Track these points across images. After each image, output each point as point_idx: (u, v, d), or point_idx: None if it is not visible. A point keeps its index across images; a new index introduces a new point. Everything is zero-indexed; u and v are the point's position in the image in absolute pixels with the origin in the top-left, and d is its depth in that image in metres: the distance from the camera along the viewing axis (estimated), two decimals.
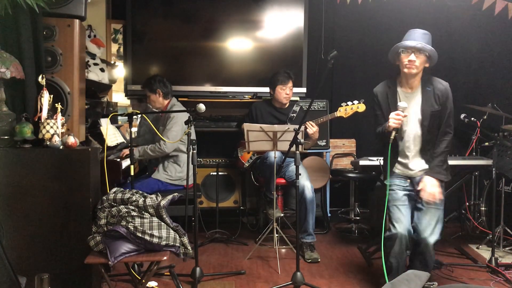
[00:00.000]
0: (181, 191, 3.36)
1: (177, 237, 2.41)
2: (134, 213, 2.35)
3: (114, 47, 4.57)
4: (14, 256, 2.32)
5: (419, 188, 2.68)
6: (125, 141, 3.79)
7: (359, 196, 4.41)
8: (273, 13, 4.44)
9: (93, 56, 3.74)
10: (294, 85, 3.91)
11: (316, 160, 4.27)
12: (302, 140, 3.00)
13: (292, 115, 3.87)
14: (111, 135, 3.47)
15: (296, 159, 2.93)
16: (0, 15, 2.30)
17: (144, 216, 2.36)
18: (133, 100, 4.58)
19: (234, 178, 4.37)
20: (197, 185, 3.21)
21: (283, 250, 3.72)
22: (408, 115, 2.67)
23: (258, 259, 3.52)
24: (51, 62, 2.72)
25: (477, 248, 3.74)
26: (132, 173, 3.01)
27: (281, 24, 4.44)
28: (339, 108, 3.58)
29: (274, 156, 3.43)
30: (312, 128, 3.59)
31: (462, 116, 4.23)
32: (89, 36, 3.74)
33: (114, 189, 2.54)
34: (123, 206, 2.41)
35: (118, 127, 3.92)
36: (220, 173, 4.26)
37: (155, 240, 2.31)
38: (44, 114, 2.48)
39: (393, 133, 2.59)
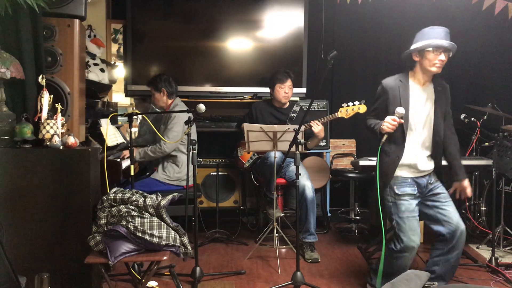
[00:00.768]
0: (181, 191, 3.36)
1: (177, 237, 2.41)
2: (134, 213, 2.35)
3: (114, 47, 4.58)
4: (14, 256, 2.32)
5: (453, 190, 2.68)
6: (125, 141, 3.79)
7: (359, 196, 4.41)
8: (273, 13, 4.44)
9: (93, 56, 3.74)
10: (294, 85, 3.91)
11: (316, 160, 4.27)
12: (302, 140, 3.00)
13: (292, 115, 3.87)
14: (111, 135, 3.47)
15: (296, 159, 2.92)
16: (0, 15, 2.30)
17: (144, 216, 2.36)
18: (136, 100, 4.57)
19: (234, 178, 4.37)
20: (197, 185, 3.21)
21: (283, 250, 3.72)
22: (420, 110, 2.63)
23: (258, 259, 3.52)
24: (51, 62, 2.72)
25: (477, 248, 3.74)
26: (132, 173, 3.01)
27: (281, 24, 4.44)
28: (340, 109, 3.58)
29: (274, 156, 3.43)
30: (317, 126, 3.59)
31: (462, 116, 4.22)
32: (89, 36, 3.74)
33: (114, 189, 2.54)
34: (123, 206, 2.41)
35: (118, 127, 3.91)
36: (220, 173, 4.26)
37: (155, 240, 2.31)
38: (44, 114, 2.48)
39: (385, 137, 2.56)
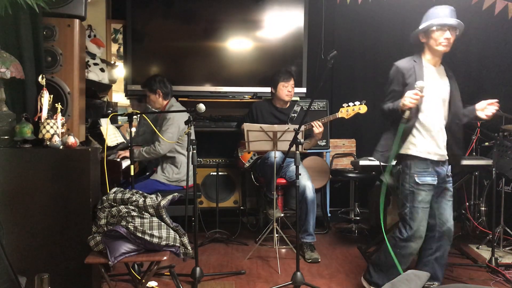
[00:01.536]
0: (181, 191, 3.36)
1: (177, 237, 2.41)
2: (134, 213, 2.35)
3: (114, 47, 4.57)
4: (14, 256, 2.32)
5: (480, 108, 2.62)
6: (125, 141, 3.79)
7: (359, 196, 4.41)
8: (273, 13, 4.44)
9: (93, 56, 3.74)
10: (295, 85, 3.91)
11: (316, 160, 4.27)
12: (302, 140, 3.00)
13: (293, 115, 3.87)
14: (111, 135, 3.47)
15: (296, 159, 2.92)
16: (0, 15, 2.30)
17: (144, 216, 2.36)
18: (133, 100, 4.58)
19: (234, 178, 4.37)
20: (197, 185, 3.21)
21: (283, 250, 3.72)
22: (435, 90, 2.58)
23: (258, 259, 3.52)
24: (51, 62, 2.72)
25: (477, 248, 3.74)
26: (132, 173, 3.01)
27: (281, 24, 4.44)
28: (341, 109, 3.58)
29: (274, 156, 3.42)
30: (319, 128, 3.59)
31: None
32: (89, 36, 3.74)
33: (114, 189, 2.54)
34: (123, 206, 2.41)
35: (118, 127, 3.91)
36: (220, 173, 4.26)
37: (155, 240, 2.31)
38: (44, 114, 2.48)
39: (407, 113, 2.43)
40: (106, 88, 4.00)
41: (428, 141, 2.58)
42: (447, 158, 2.65)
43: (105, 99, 4.04)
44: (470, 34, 4.64)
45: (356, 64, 4.76)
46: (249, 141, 3.42)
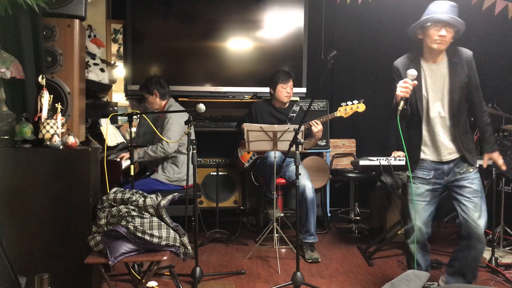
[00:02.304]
0: (181, 191, 3.36)
1: (177, 237, 2.41)
2: (134, 213, 2.35)
3: (114, 47, 4.57)
4: (14, 256, 2.32)
5: (485, 164, 2.56)
6: (125, 141, 3.79)
7: (359, 196, 4.41)
8: (273, 13, 4.44)
9: (93, 56, 3.74)
10: (294, 85, 3.91)
11: (316, 160, 4.27)
12: (302, 140, 3.00)
13: (292, 115, 3.87)
14: (111, 135, 3.47)
15: (296, 159, 2.93)
16: (0, 15, 2.30)
17: (144, 216, 2.36)
18: (133, 101, 4.58)
19: (234, 178, 4.37)
20: (197, 185, 3.21)
21: (283, 250, 3.72)
22: (434, 89, 2.51)
23: (258, 259, 3.52)
24: (51, 62, 2.72)
25: None
26: (132, 173, 3.01)
27: (281, 24, 4.44)
28: (339, 108, 3.58)
29: (274, 156, 3.42)
30: (317, 126, 3.59)
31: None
32: (89, 36, 3.74)
33: (114, 189, 2.54)
34: (123, 206, 2.41)
35: (118, 127, 3.91)
36: (220, 173, 4.26)
37: (155, 240, 2.31)
38: (44, 114, 2.48)
39: (401, 103, 2.34)
40: (106, 88, 4.00)
41: (429, 143, 2.55)
42: (459, 156, 2.54)
43: (105, 99, 4.04)
44: (470, 34, 4.64)
45: (356, 64, 4.76)
46: (249, 141, 3.42)
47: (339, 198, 4.67)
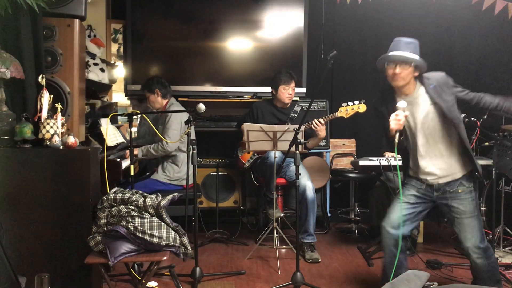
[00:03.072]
0: (181, 191, 3.36)
1: (177, 237, 2.41)
2: (134, 213, 2.35)
3: (114, 47, 4.57)
4: (14, 256, 2.32)
5: None
6: (125, 141, 3.79)
7: (359, 196, 4.41)
8: (273, 13, 4.44)
9: (93, 56, 3.74)
10: (294, 85, 3.91)
11: (316, 160, 4.27)
12: (302, 140, 3.00)
13: (293, 115, 3.87)
14: (111, 135, 3.47)
15: (296, 159, 2.92)
16: (0, 15, 2.30)
17: (144, 216, 2.36)
18: (133, 101, 4.58)
19: (234, 178, 4.37)
20: (197, 185, 3.21)
21: (283, 250, 3.72)
22: (418, 118, 2.49)
23: (258, 259, 3.52)
24: (51, 62, 2.72)
25: None
26: (132, 173, 3.01)
27: (281, 24, 4.44)
28: (340, 109, 3.58)
29: (274, 156, 3.42)
30: (319, 125, 3.58)
31: (462, 116, 4.22)
32: (89, 36, 3.74)
33: (114, 189, 2.54)
34: (123, 206, 2.41)
35: (118, 127, 3.91)
36: (220, 173, 4.26)
37: (155, 240, 2.31)
38: (44, 114, 2.48)
39: (397, 136, 2.34)
40: (106, 88, 3.99)
41: (416, 168, 2.56)
42: (450, 180, 2.51)
43: (105, 99, 4.04)
44: (470, 34, 4.65)
45: (356, 64, 4.76)
46: (249, 141, 3.42)
47: (339, 198, 4.67)
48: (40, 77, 2.50)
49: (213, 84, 4.41)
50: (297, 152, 2.93)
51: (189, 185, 3.11)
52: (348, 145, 4.75)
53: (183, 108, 3.72)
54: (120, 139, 3.70)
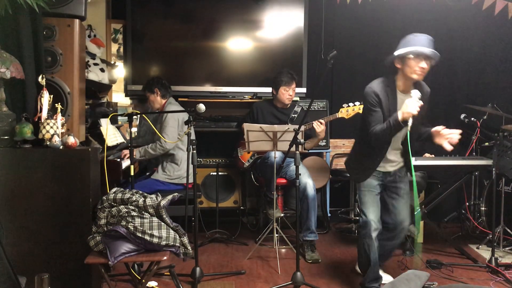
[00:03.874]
0: (181, 191, 3.36)
1: (177, 237, 2.41)
2: (134, 213, 2.35)
3: (114, 47, 4.57)
4: (14, 256, 2.32)
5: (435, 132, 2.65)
6: (125, 141, 3.80)
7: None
8: (273, 13, 4.44)
9: (93, 56, 3.74)
10: None
11: (316, 160, 4.27)
12: (302, 140, 3.00)
13: (293, 115, 3.87)
14: (111, 135, 3.47)
15: (296, 159, 2.93)
16: (0, 15, 2.30)
17: (144, 216, 2.36)
18: (134, 101, 4.58)
19: (234, 178, 4.37)
20: (197, 185, 3.21)
21: (283, 250, 3.72)
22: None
23: (258, 259, 3.52)
24: (51, 62, 2.72)
25: (477, 248, 3.74)
26: (132, 173, 3.01)
27: (281, 24, 4.44)
28: (341, 109, 3.58)
29: (274, 156, 3.42)
30: (319, 126, 3.59)
31: (462, 116, 4.23)
32: (89, 36, 3.74)
33: (114, 189, 2.54)
34: (123, 206, 2.41)
35: (118, 127, 3.92)
36: (220, 173, 4.26)
37: (155, 240, 2.31)
38: (44, 114, 2.48)
39: (411, 120, 2.46)
40: (106, 88, 3.99)
41: (385, 159, 2.78)
42: (401, 165, 2.83)
43: (105, 99, 4.04)
44: (470, 34, 4.65)
45: (356, 64, 4.76)
46: (249, 141, 3.42)
47: (339, 198, 4.66)
48: (40, 77, 2.50)
49: (213, 84, 4.41)
50: (297, 152, 2.93)
51: (189, 184, 3.11)
52: (348, 145, 4.75)
53: (181, 107, 3.75)
54: (120, 139, 3.70)
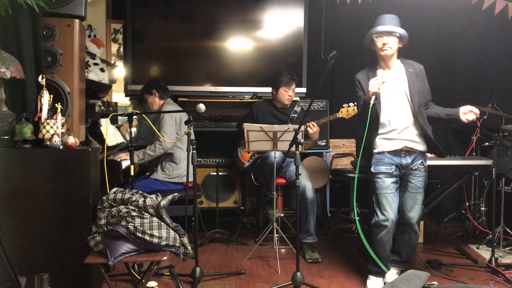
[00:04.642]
0: (181, 191, 3.36)
1: (177, 237, 2.40)
2: (134, 213, 2.35)
3: (114, 47, 4.57)
4: (14, 256, 2.32)
5: (462, 112, 2.75)
6: (125, 141, 3.80)
7: (359, 196, 4.39)
8: (273, 13, 4.44)
9: (93, 56, 3.74)
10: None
11: (316, 160, 4.27)
12: (302, 140, 3.01)
13: (293, 115, 3.87)
14: (111, 135, 3.47)
15: (296, 159, 2.93)
16: (0, 15, 2.30)
17: (144, 216, 2.36)
18: (134, 101, 4.58)
19: (234, 178, 4.37)
20: (197, 185, 3.21)
21: (283, 250, 3.72)
22: (395, 94, 2.83)
23: (258, 259, 3.52)
24: (51, 62, 2.72)
25: (477, 248, 3.74)
26: (132, 173, 3.01)
27: (281, 24, 4.44)
28: (341, 109, 3.58)
29: (274, 156, 3.42)
30: (312, 128, 3.59)
31: None
32: (89, 36, 3.74)
33: (114, 189, 2.54)
34: (123, 206, 2.41)
35: (118, 127, 3.92)
36: (220, 173, 4.26)
37: (155, 240, 2.30)
38: (44, 114, 2.48)
39: (373, 98, 2.70)
40: (106, 88, 3.99)
41: (388, 139, 2.85)
42: (420, 149, 2.86)
43: (105, 99, 4.04)
44: (470, 34, 4.65)
45: (356, 64, 4.74)
46: (249, 141, 3.42)
47: (339, 198, 4.66)
48: (40, 77, 2.50)
49: (213, 84, 4.41)
50: (297, 152, 2.93)
51: (189, 183, 3.11)
52: (348, 145, 4.75)
53: (178, 107, 3.78)
54: (120, 139, 3.70)
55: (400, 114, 2.82)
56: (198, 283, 2.88)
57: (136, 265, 2.94)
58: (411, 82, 2.82)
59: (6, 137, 2.39)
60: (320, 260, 3.48)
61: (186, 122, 3.02)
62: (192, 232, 2.95)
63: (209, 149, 4.50)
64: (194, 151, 2.88)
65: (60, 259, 2.44)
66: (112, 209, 2.40)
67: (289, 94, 3.81)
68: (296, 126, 3.05)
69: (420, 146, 2.86)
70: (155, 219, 2.38)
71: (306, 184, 3.55)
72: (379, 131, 2.86)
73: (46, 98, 2.49)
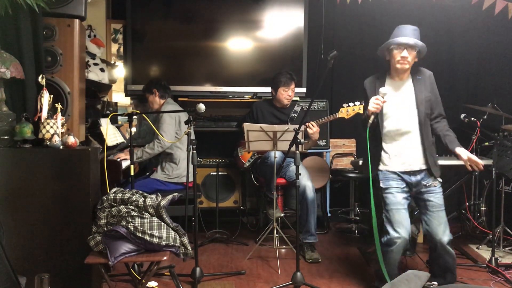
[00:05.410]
0: (181, 191, 3.36)
1: (177, 237, 2.40)
2: (134, 213, 2.35)
3: (114, 47, 4.57)
4: (14, 256, 2.32)
5: (464, 158, 2.66)
6: (125, 141, 3.80)
7: (359, 196, 4.41)
8: (273, 13, 4.44)
9: (93, 56, 3.74)
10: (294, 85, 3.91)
11: (316, 160, 4.27)
12: (302, 140, 3.00)
13: (293, 115, 3.87)
14: (111, 135, 3.47)
15: (296, 159, 2.93)
16: (0, 15, 2.30)
17: (144, 216, 2.36)
18: (134, 101, 4.58)
19: (234, 178, 4.37)
20: (197, 185, 3.21)
21: (283, 250, 3.72)
22: (401, 103, 2.72)
23: (258, 259, 3.52)
24: (51, 62, 2.72)
25: (477, 248, 3.74)
26: (132, 173, 3.01)
27: (281, 24, 4.44)
28: (341, 109, 3.58)
29: (274, 156, 3.42)
30: (312, 128, 3.59)
31: (462, 116, 4.22)
32: (89, 36, 3.74)
33: (114, 189, 2.54)
34: (123, 206, 2.41)
35: (118, 127, 3.92)
36: (220, 173, 4.26)
37: (155, 240, 2.31)
38: (44, 114, 2.48)
39: (372, 118, 2.62)
40: (106, 88, 4.00)
41: (394, 157, 2.72)
42: (424, 168, 2.72)
43: (105, 99, 4.04)
44: (470, 34, 4.65)
45: (356, 64, 4.76)
46: (249, 140, 3.42)
47: (339, 198, 4.66)
48: (40, 77, 2.50)
49: (213, 84, 4.41)
50: (297, 152, 2.93)
51: (189, 183, 3.11)
52: (348, 145, 4.75)
53: (178, 107, 3.77)
54: (120, 139, 3.70)
55: (405, 123, 2.71)
56: (198, 283, 2.88)
57: (136, 265, 2.94)
58: (418, 90, 2.72)
59: (6, 137, 2.39)
60: (320, 260, 3.48)
61: (186, 122, 3.02)
62: (192, 232, 2.95)
63: (209, 149, 4.50)
64: (194, 151, 2.88)
65: (60, 259, 2.44)
66: (112, 209, 2.40)
67: (288, 94, 3.81)
68: (296, 126, 3.05)
69: (424, 166, 2.72)
70: (155, 219, 2.38)
71: (307, 184, 3.55)
72: (383, 145, 2.74)
73: (46, 98, 2.49)
